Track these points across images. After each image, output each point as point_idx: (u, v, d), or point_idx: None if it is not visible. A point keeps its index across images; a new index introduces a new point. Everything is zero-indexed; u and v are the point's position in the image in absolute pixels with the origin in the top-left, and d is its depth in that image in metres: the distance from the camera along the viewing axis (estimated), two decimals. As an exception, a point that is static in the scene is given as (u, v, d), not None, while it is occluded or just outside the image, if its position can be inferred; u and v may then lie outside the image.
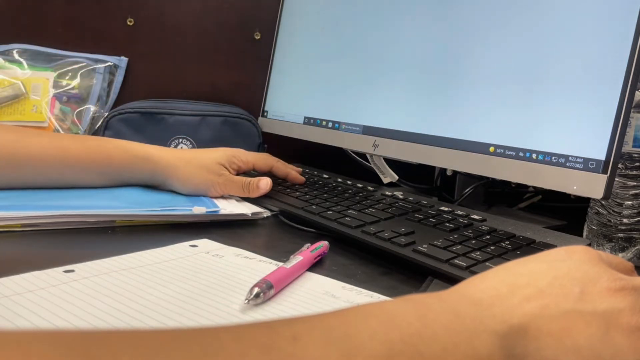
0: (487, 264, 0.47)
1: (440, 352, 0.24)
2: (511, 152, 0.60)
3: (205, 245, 0.55)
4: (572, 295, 0.27)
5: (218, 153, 0.73)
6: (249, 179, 0.71)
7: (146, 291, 0.42)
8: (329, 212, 0.63)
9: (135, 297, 0.41)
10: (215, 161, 0.72)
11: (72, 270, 0.44)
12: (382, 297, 0.45)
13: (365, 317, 0.24)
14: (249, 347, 0.20)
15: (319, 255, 0.51)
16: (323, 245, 0.52)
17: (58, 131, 0.97)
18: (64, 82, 1.01)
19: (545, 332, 0.26)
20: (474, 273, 0.46)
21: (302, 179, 0.78)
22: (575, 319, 0.26)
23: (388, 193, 0.71)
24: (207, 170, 0.70)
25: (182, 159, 0.71)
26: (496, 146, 0.62)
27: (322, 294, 0.45)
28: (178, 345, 0.19)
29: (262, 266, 0.49)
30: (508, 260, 0.48)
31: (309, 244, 0.52)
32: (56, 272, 0.44)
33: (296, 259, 0.47)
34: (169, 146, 0.93)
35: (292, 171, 0.78)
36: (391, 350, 0.23)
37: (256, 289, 0.41)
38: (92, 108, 1.01)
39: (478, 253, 0.49)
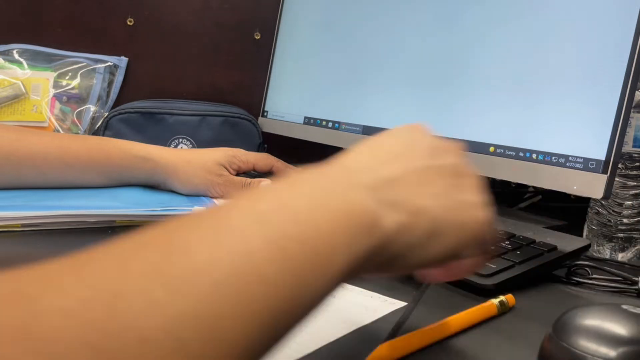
0: (487, 263, 0.47)
1: (313, 207, 0.26)
2: (511, 152, 0.60)
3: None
4: (424, 155, 0.33)
5: (218, 153, 0.73)
6: (249, 179, 0.71)
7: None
8: (329, 212, 0.63)
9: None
10: (215, 161, 0.72)
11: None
12: (383, 297, 0.45)
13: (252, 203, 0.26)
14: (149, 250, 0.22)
15: None
16: None
17: (58, 131, 0.97)
18: (64, 82, 1.01)
19: (409, 182, 0.31)
20: (474, 273, 0.46)
21: None
22: (430, 172, 0.32)
23: (388, 193, 0.71)
24: (207, 170, 0.70)
25: (182, 159, 0.71)
26: (496, 146, 0.62)
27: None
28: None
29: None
30: (508, 259, 0.48)
31: None
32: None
33: None
34: (169, 146, 0.93)
35: (292, 171, 0.78)
36: (264, 215, 0.25)
37: None
38: (92, 108, 1.01)
39: (478, 253, 0.49)
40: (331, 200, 0.27)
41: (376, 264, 0.29)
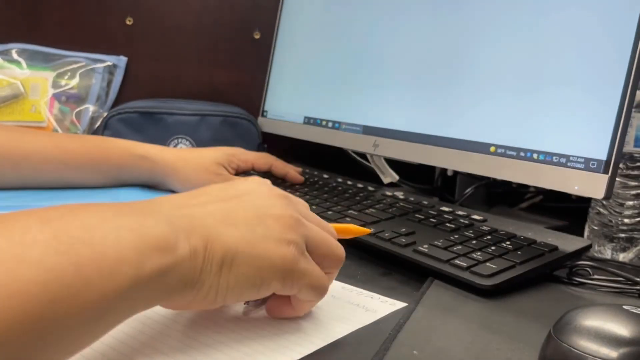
0: (487, 264, 0.47)
1: (105, 222, 0.29)
2: (512, 152, 0.60)
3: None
4: (232, 196, 0.36)
5: (217, 152, 0.73)
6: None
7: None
8: (329, 213, 0.62)
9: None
10: (214, 161, 0.71)
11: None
12: (383, 298, 0.45)
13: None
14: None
15: None
16: None
17: (57, 131, 0.97)
18: (63, 82, 1.00)
19: (210, 214, 0.34)
20: (474, 273, 0.46)
21: (300, 178, 0.77)
22: (235, 207, 0.35)
23: (388, 193, 0.71)
24: (206, 169, 0.70)
25: (181, 158, 0.71)
26: (497, 146, 0.61)
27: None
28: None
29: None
30: (509, 260, 0.48)
31: None
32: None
33: None
34: (168, 146, 0.93)
35: (291, 170, 0.78)
36: (51, 221, 0.28)
37: None
38: (91, 108, 1.01)
39: (479, 253, 0.49)
40: (125, 220, 0.30)
41: (172, 288, 0.31)
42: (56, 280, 0.25)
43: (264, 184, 0.39)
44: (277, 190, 0.39)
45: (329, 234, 0.39)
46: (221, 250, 0.32)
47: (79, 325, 0.26)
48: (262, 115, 1.02)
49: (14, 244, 0.25)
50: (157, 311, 0.38)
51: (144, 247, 0.29)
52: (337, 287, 0.46)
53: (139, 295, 0.29)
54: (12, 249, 0.25)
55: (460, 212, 0.61)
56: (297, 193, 0.72)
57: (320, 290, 0.38)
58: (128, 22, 1.06)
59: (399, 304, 0.44)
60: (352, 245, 0.57)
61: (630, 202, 0.58)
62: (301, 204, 0.40)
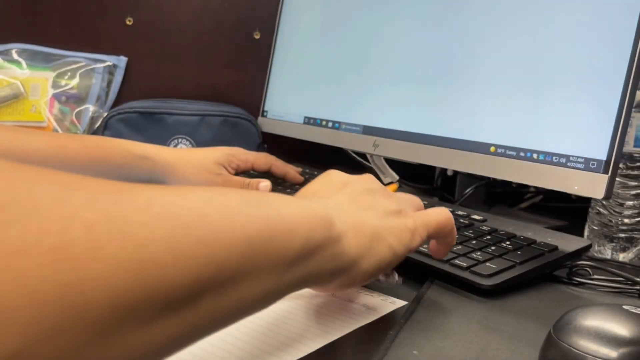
0: (487, 264, 0.47)
1: (275, 199, 0.31)
2: (512, 152, 0.60)
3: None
4: (341, 185, 0.40)
5: (217, 152, 0.73)
6: (247, 179, 0.71)
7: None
8: (329, 212, 0.62)
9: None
10: (213, 160, 0.71)
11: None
12: (383, 296, 0.45)
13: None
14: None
15: None
16: None
17: (57, 131, 0.97)
18: (63, 82, 1.00)
19: (351, 203, 0.38)
20: (474, 273, 0.46)
21: (300, 178, 0.77)
22: (354, 194, 0.39)
23: (388, 193, 0.71)
24: (206, 169, 0.70)
25: (182, 158, 0.71)
26: (497, 146, 0.61)
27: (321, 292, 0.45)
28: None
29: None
30: (509, 260, 0.48)
31: None
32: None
33: None
34: (168, 146, 0.93)
35: (291, 170, 0.78)
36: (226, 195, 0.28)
37: None
38: (91, 108, 1.01)
39: (479, 253, 0.49)
40: (289, 201, 0.32)
41: (333, 268, 0.32)
42: (253, 226, 0.26)
43: (346, 176, 0.43)
44: (354, 176, 0.43)
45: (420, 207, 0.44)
46: (370, 230, 0.35)
47: (263, 278, 0.27)
48: (262, 115, 1.02)
49: (216, 195, 0.27)
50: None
51: (312, 220, 0.31)
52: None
53: (303, 267, 0.30)
54: (215, 198, 0.26)
55: (460, 212, 0.61)
56: (297, 193, 0.72)
57: (446, 218, 0.42)
58: (128, 22, 1.06)
59: (399, 302, 0.44)
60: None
61: (630, 202, 0.58)
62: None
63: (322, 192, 0.39)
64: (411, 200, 0.44)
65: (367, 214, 0.37)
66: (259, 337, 0.37)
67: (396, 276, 0.44)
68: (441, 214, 0.42)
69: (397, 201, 0.40)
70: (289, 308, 0.41)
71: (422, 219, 0.40)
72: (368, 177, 0.42)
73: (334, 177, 0.42)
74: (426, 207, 0.63)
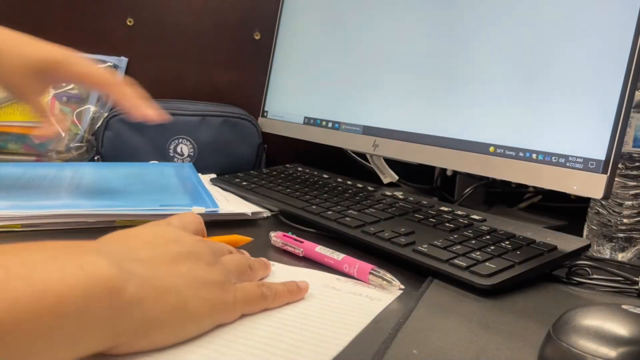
0: (487, 264, 0.47)
1: (50, 275, 0.28)
2: (511, 152, 0.60)
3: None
4: (173, 241, 0.38)
5: (39, 55, 0.66)
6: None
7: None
8: (329, 212, 0.63)
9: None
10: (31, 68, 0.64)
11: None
12: (382, 296, 0.45)
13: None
14: None
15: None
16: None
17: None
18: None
19: (157, 262, 0.35)
20: (474, 273, 0.46)
21: (162, 116, 0.67)
22: (179, 256, 0.37)
23: (388, 193, 0.71)
24: (21, 75, 0.63)
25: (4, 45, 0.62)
26: (496, 146, 0.62)
27: (322, 287, 0.46)
28: None
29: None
30: (508, 259, 0.48)
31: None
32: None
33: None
34: (169, 147, 0.93)
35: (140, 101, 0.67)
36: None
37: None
38: (92, 108, 1.01)
39: (478, 253, 0.49)
40: (71, 258, 0.30)
41: (122, 330, 0.31)
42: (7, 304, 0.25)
43: (177, 234, 0.41)
44: (191, 236, 0.41)
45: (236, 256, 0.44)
46: (173, 297, 0.34)
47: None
48: (263, 116, 1.02)
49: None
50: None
51: (92, 287, 0.29)
52: (332, 280, 0.47)
53: (80, 338, 0.29)
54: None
55: (459, 212, 0.62)
56: (298, 193, 0.72)
57: (259, 297, 0.40)
58: (128, 23, 1.06)
59: (399, 292, 0.45)
60: (351, 245, 0.57)
61: (629, 202, 0.58)
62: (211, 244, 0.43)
63: (137, 250, 0.36)
64: (238, 264, 0.42)
65: (178, 280, 0.35)
66: (285, 339, 0.36)
67: (398, 284, 0.45)
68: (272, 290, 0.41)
69: (222, 271, 0.39)
70: (295, 305, 0.42)
71: (243, 295, 0.39)
72: (198, 241, 0.40)
73: (165, 233, 0.39)
74: (426, 206, 0.64)
